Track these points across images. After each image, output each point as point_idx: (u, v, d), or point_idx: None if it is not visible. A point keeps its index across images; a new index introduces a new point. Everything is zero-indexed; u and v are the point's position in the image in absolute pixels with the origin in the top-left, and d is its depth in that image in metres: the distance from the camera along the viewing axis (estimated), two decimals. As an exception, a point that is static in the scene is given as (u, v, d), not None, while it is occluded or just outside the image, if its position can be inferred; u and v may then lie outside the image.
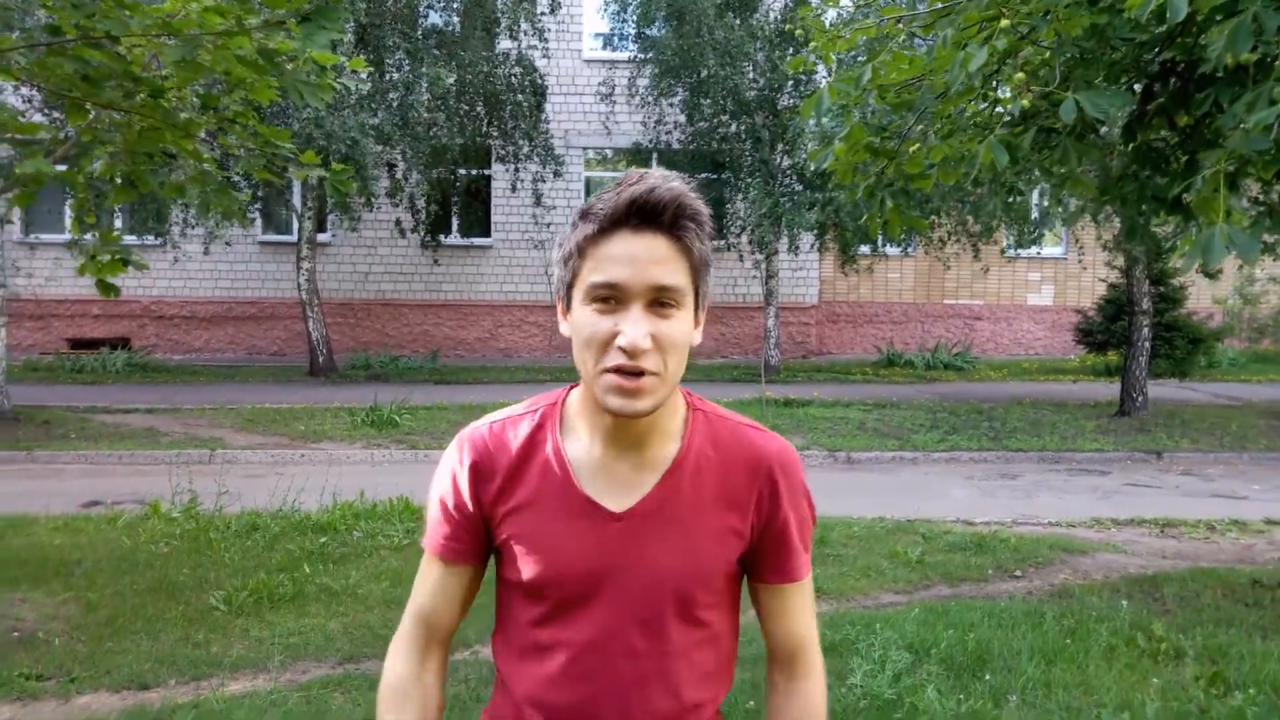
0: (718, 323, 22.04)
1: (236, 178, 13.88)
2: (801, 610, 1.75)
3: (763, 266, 19.09)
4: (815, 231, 17.74)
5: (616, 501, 1.64)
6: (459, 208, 21.71)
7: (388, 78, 16.54)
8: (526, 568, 1.65)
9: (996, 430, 13.70)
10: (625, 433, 1.63)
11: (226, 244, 19.42)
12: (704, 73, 17.49)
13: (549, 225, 20.66)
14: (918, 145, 7.02)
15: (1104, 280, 19.81)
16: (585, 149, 21.51)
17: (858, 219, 7.89)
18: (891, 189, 7.31)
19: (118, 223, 19.34)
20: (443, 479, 1.72)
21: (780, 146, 18.05)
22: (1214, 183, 4.94)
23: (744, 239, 18.92)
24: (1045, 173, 7.51)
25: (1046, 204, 16.87)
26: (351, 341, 21.51)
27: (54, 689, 5.14)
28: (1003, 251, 21.36)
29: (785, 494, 1.68)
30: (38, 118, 14.48)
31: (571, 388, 1.73)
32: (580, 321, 1.56)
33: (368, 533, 8.01)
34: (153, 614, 6.20)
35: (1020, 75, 5.38)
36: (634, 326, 1.51)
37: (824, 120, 12.88)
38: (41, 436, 13.06)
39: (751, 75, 17.78)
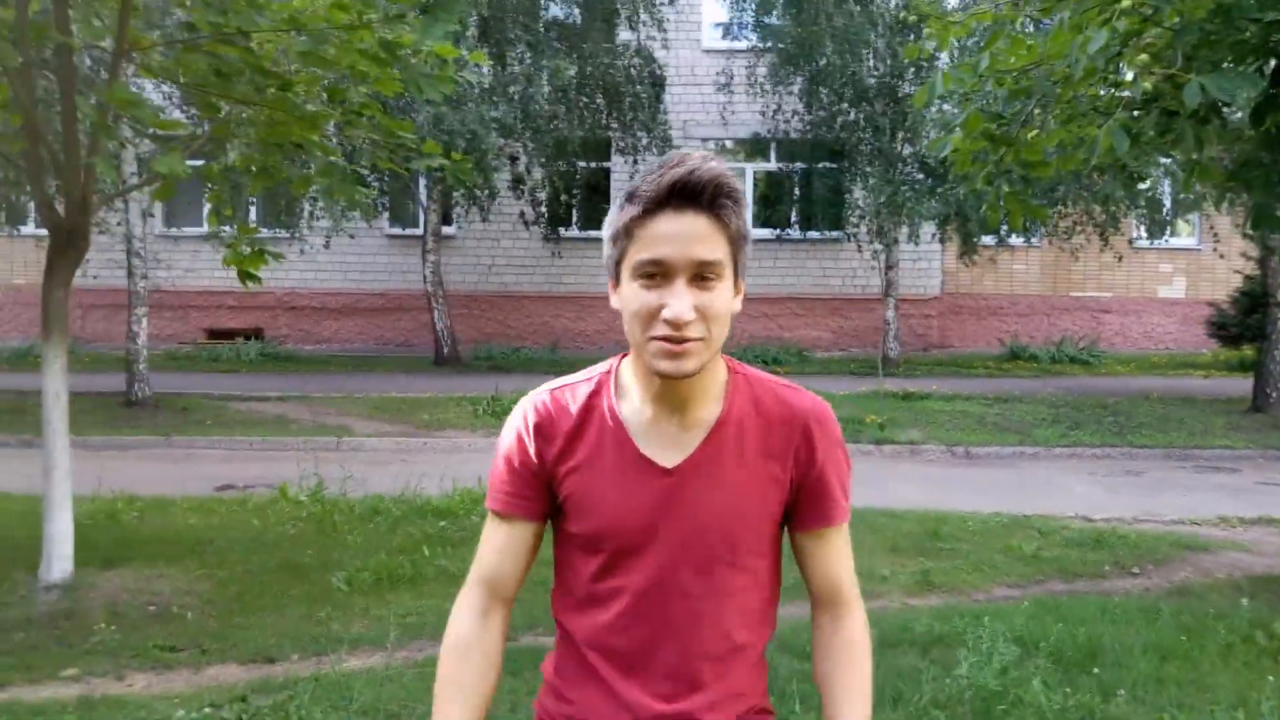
0: (836, 315, 21.86)
1: (363, 170, 14.27)
2: (841, 553, 1.83)
3: (881, 257, 18.88)
4: (936, 221, 17.50)
5: (667, 458, 1.74)
6: (579, 201, 21.92)
7: (509, 70, 16.78)
8: (587, 520, 1.77)
9: (1121, 425, 13.36)
10: (673, 394, 1.73)
11: (350, 236, 19.79)
12: (823, 61, 17.37)
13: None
14: (1036, 131, 6.93)
15: (1239, 271, 19.08)
16: (704, 140, 21.50)
17: (979, 208, 7.82)
18: (1010, 177, 7.22)
19: (251, 215, 20.09)
20: (508, 440, 1.83)
21: (900, 135, 17.83)
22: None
23: (863, 229, 18.73)
24: (1171, 158, 7.32)
25: (1172, 192, 16.35)
26: (475, 332, 21.87)
27: (186, 660, 5.41)
28: (1130, 242, 20.59)
29: (820, 445, 1.77)
30: (175, 115, 15.07)
31: (623, 356, 1.82)
32: (629, 295, 1.67)
33: (484, 516, 8.18)
34: (279, 591, 6.47)
35: (1143, 57, 5.27)
36: (678, 300, 1.61)
37: (944, 107, 12.69)
38: (180, 423, 13.63)
39: (871, 63, 17.59)
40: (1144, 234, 21.00)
